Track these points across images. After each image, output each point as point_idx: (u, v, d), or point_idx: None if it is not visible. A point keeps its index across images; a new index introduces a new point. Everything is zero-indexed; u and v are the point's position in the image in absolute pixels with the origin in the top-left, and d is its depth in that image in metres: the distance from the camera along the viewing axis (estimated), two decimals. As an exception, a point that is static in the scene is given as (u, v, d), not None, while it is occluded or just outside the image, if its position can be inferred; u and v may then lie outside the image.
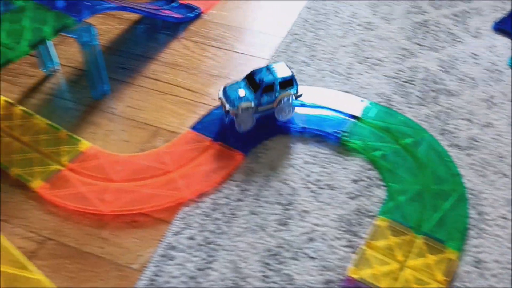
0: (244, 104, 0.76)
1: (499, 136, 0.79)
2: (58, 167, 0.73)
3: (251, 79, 0.78)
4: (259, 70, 0.78)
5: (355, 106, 0.83)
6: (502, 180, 0.73)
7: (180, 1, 1.05)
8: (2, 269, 0.51)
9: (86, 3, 0.81)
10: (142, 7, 0.95)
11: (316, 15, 1.05)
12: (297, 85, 0.79)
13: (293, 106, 0.80)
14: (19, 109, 0.82)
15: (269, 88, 0.77)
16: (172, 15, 0.99)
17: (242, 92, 0.77)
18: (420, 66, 0.92)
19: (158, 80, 0.90)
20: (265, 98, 0.77)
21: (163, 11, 1.00)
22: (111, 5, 0.84)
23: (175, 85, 0.89)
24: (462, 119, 0.82)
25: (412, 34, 0.99)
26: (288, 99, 0.78)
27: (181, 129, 0.81)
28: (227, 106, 0.76)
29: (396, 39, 0.98)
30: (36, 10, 0.78)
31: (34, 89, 0.87)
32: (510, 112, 0.83)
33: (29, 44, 0.72)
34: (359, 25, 1.02)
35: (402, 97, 0.86)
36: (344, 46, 0.97)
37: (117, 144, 0.79)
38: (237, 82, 0.79)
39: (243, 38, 1.00)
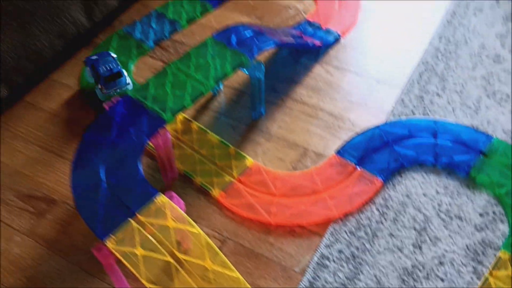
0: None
1: None
2: (231, 179, 0.91)
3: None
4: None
5: (483, 141, 0.93)
6: None
7: (322, 26, 1.18)
8: (208, 266, 0.70)
9: (256, 41, 0.97)
10: (290, 39, 1.09)
11: (446, 44, 1.13)
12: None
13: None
14: (195, 125, 1.01)
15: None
16: (314, 42, 1.13)
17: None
18: (548, 105, 0.99)
19: (305, 104, 1.05)
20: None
21: (305, 37, 1.14)
22: (273, 42, 0.99)
23: (319, 109, 1.04)
24: None
25: (540, 70, 1.06)
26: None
27: (326, 152, 0.96)
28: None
29: (524, 74, 1.05)
30: (216, 46, 0.96)
31: (204, 107, 1.06)
32: None
33: (215, 80, 0.90)
34: (487, 56, 1.10)
35: (528, 136, 0.94)
36: (473, 79, 1.06)
37: (273, 161, 0.96)
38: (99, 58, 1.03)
39: (378, 64, 1.12)
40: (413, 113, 1.00)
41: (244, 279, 0.67)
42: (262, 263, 0.81)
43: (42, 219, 0.88)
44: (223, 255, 0.69)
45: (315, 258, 0.81)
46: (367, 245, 0.82)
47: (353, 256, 0.81)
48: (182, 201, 0.75)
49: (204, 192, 0.91)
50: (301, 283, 0.78)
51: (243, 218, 0.87)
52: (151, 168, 0.94)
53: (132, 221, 0.72)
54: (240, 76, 1.11)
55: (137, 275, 0.68)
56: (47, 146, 0.99)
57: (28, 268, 0.82)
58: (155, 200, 0.74)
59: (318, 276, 0.79)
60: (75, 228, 0.86)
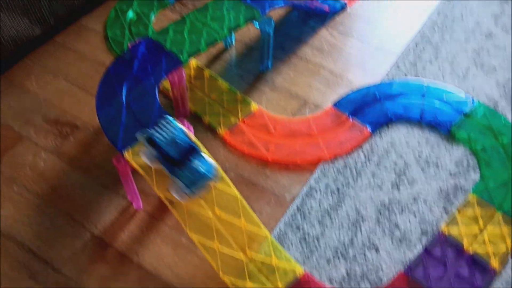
0: None
1: None
2: (236, 120, 1.02)
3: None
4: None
5: (467, 104, 1.02)
6: None
7: (330, -6, 1.28)
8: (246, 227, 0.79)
9: (268, -2, 1.07)
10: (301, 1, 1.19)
11: (444, 19, 1.22)
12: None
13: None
14: (207, 72, 1.11)
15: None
16: (321, 7, 1.22)
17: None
18: (529, 77, 1.08)
19: (308, 61, 1.15)
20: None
21: (314, 1, 1.23)
22: (284, 1, 1.09)
23: (321, 67, 1.14)
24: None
25: (527, 47, 1.15)
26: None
27: (324, 104, 1.06)
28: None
29: (510, 50, 1.14)
30: (232, 0, 1.06)
31: (216, 57, 1.16)
32: None
33: (228, 29, 1.00)
34: (480, 33, 1.19)
35: (507, 104, 1.04)
36: (465, 51, 1.15)
37: (276, 109, 1.06)
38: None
39: (379, 32, 1.21)
40: (406, 77, 1.10)
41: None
42: (258, 190, 0.92)
43: (65, 140, 0.99)
44: (227, 176, 0.80)
45: (304, 189, 0.91)
46: (351, 182, 0.92)
47: (338, 190, 0.91)
48: (191, 127, 0.86)
49: (211, 130, 1.01)
50: (290, 207, 0.89)
51: (244, 154, 0.97)
52: (165, 106, 1.05)
53: (148, 138, 0.83)
54: (251, 32, 1.21)
55: (149, 182, 0.78)
56: (73, 80, 1.10)
57: (51, 179, 0.94)
58: (169, 122, 0.84)
59: (305, 203, 0.89)
60: (95, 149, 0.97)
